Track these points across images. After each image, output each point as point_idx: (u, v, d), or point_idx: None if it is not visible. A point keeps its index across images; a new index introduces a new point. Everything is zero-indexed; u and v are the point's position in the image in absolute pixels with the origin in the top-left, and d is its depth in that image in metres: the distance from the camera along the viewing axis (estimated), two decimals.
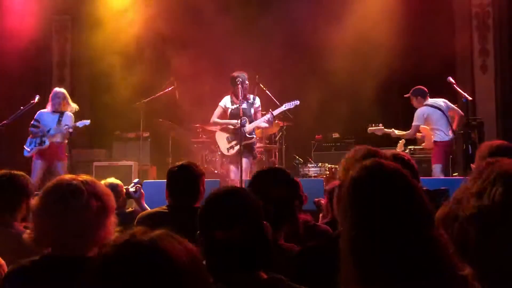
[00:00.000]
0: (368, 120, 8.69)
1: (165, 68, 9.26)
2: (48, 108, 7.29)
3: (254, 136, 7.28)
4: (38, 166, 7.10)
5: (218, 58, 8.91)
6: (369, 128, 7.61)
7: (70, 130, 7.16)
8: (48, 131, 7.10)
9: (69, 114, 7.30)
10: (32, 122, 7.24)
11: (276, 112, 7.26)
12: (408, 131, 7.33)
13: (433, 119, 7.17)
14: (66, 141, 7.43)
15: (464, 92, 7.29)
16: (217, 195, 1.78)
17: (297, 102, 7.31)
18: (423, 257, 1.22)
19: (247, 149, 7.16)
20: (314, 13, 9.17)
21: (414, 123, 7.27)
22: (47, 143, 7.10)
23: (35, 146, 7.12)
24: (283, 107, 7.27)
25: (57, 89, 7.48)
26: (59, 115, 7.18)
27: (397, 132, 7.47)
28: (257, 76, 7.75)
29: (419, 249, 1.22)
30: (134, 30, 9.43)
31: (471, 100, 7.49)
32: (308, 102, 8.86)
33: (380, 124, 7.60)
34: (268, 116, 7.26)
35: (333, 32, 8.87)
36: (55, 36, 10.22)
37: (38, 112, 7.32)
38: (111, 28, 9.51)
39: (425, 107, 7.23)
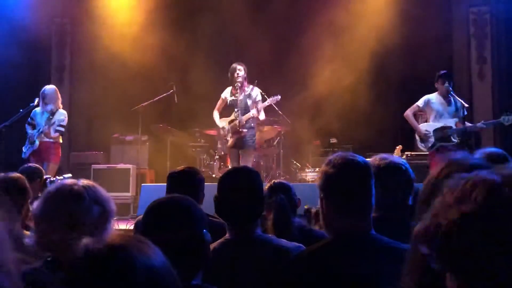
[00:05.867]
0: (365, 125, 8.75)
1: (164, 72, 9.29)
2: (40, 107, 7.22)
3: (246, 130, 7.10)
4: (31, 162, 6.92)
5: (218, 61, 8.95)
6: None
7: (61, 129, 7.11)
8: (38, 130, 7.03)
9: (61, 112, 7.19)
10: (28, 119, 7.23)
11: (260, 107, 7.22)
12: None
13: None
14: (60, 141, 7.23)
15: (461, 99, 7.33)
16: (157, 205, 1.81)
17: (278, 97, 7.32)
18: None
19: (241, 142, 7.13)
20: (313, 17, 9.22)
21: None
22: (37, 143, 7.02)
23: (29, 147, 7.09)
24: (266, 103, 7.27)
25: (46, 87, 7.35)
26: (49, 113, 7.06)
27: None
28: (256, 81, 7.78)
29: None
30: (133, 34, 9.47)
31: (468, 107, 7.53)
32: (306, 108, 8.91)
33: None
34: (253, 111, 7.19)
35: (332, 37, 8.92)
36: (54, 39, 10.25)
37: (33, 111, 7.28)
38: (111, 32, 9.55)
39: None
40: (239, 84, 7.04)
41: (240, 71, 7.07)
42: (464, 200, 0.91)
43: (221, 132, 7.39)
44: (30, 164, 4.36)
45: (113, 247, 0.98)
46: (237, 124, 7.00)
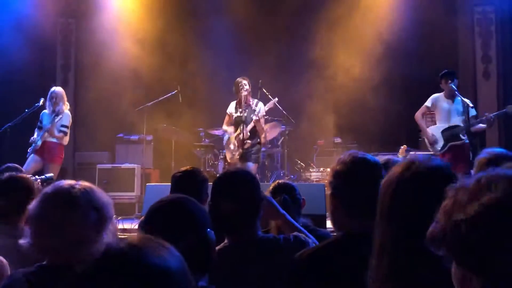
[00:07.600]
0: (370, 124, 8.74)
1: (169, 72, 9.30)
2: (47, 108, 7.24)
3: (249, 141, 7.09)
4: (31, 159, 7.02)
5: (222, 62, 8.95)
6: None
7: (65, 129, 7.10)
8: (44, 130, 7.05)
9: (66, 113, 7.20)
10: (38, 124, 7.26)
11: (261, 114, 7.22)
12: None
13: None
14: (64, 143, 7.24)
15: (467, 99, 7.31)
16: (159, 207, 1.78)
17: (276, 99, 7.34)
18: None
19: (246, 156, 7.14)
20: (317, 19, 9.21)
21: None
22: (39, 142, 7.04)
23: (32, 147, 7.10)
24: (266, 107, 7.28)
25: (56, 88, 7.36)
26: (55, 114, 7.06)
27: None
28: (260, 81, 7.78)
29: None
30: (138, 33, 9.48)
31: (473, 107, 7.51)
32: (310, 107, 8.91)
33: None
34: (254, 117, 7.20)
35: (336, 38, 8.91)
36: (59, 39, 10.27)
37: (41, 114, 7.32)
38: (116, 31, 9.57)
39: None
40: (244, 99, 7.05)
41: (245, 85, 7.08)
42: (482, 194, 0.90)
43: (230, 146, 7.39)
44: (9, 164, 4.36)
45: (131, 247, 0.98)
46: (242, 137, 7.02)
